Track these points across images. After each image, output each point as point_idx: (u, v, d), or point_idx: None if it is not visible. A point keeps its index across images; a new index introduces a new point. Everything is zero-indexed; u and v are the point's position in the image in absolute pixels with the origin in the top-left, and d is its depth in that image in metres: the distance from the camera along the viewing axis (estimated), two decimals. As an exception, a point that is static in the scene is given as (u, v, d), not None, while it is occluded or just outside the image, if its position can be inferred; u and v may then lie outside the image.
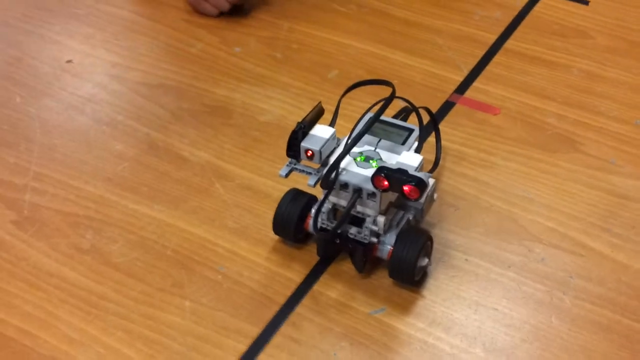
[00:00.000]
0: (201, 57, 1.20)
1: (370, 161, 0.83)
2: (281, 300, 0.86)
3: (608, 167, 1.01)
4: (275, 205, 0.89)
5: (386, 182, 0.78)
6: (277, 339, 0.82)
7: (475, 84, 1.14)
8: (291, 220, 0.88)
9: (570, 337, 0.82)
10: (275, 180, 0.97)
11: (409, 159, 0.82)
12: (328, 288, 0.87)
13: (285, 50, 1.20)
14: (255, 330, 0.83)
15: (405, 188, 0.78)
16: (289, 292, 0.86)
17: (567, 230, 0.92)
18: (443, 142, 0.97)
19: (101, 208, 0.96)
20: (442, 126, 1.05)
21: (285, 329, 0.83)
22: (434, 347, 0.81)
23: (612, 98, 1.11)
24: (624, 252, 0.90)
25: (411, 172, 0.78)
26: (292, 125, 0.85)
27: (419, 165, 0.82)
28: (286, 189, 0.90)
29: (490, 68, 1.16)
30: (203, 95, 1.12)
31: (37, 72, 1.17)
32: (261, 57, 1.19)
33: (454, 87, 1.13)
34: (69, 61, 1.19)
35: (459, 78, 1.15)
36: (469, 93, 1.12)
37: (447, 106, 1.10)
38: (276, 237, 0.91)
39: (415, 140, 0.87)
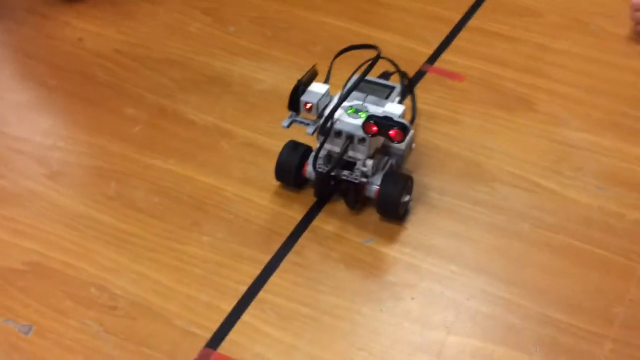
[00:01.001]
0: (199, 35, 1.34)
1: (359, 113, 0.98)
2: (286, 233, 1.00)
3: (558, 122, 1.17)
4: (275, 159, 1.04)
5: (375, 128, 0.94)
6: (284, 265, 0.97)
7: (443, 55, 1.30)
8: (291, 167, 1.03)
9: (529, 256, 0.98)
10: (274, 137, 1.12)
11: (393, 108, 0.98)
12: (325, 223, 1.02)
13: (274, 29, 1.35)
14: (265, 258, 0.97)
15: (391, 132, 0.93)
16: (291, 227, 1.01)
17: (524, 173, 1.09)
18: (417, 105, 1.13)
19: (122, 162, 1.10)
20: (416, 91, 1.20)
21: (290, 256, 0.98)
22: (417, 266, 0.97)
23: (561, 66, 1.28)
24: (572, 189, 1.07)
25: (395, 119, 0.94)
26: (285, 92, 0.99)
27: (401, 113, 0.97)
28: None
29: (456, 42, 1.33)
30: (204, 67, 1.27)
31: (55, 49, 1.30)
32: (253, 34, 1.34)
33: (424, 59, 1.29)
34: (79, 39, 1.32)
35: (429, 51, 1.30)
36: (437, 64, 1.28)
37: (419, 75, 1.26)
38: (278, 183, 1.06)
39: (397, 96, 1.03)
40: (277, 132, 1.09)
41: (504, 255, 0.98)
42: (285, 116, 0.99)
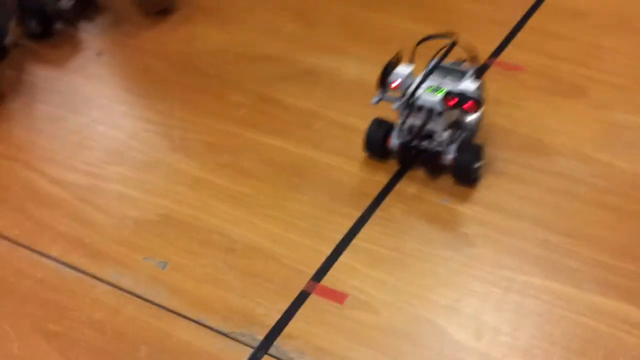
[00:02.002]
0: (291, 34, 1.54)
1: (437, 92, 1.15)
2: (373, 194, 1.18)
3: (609, 106, 1.33)
4: (361, 136, 1.22)
5: (453, 101, 1.11)
6: (373, 219, 1.14)
7: (505, 51, 1.47)
8: (378, 139, 1.21)
9: (585, 213, 1.14)
10: (360, 118, 1.29)
11: (468, 85, 1.14)
12: (407, 186, 1.19)
13: (356, 29, 1.55)
14: (357, 213, 1.15)
15: (467, 104, 1.10)
16: (378, 189, 1.19)
17: (580, 147, 1.25)
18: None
19: (231, 138, 1.29)
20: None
21: (378, 213, 1.15)
22: (488, 221, 1.13)
23: (611, 60, 1.44)
24: (622, 161, 1.22)
25: (471, 93, 1.11)
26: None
27: (477, 88, 1.14)
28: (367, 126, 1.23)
29: (515, 40, 1.50)
30: (296, 62, 1.46)
31: (170, 49, 1.51)
32: (338, 34, 1.53)
33: (488, 55, 1.46)
34: (189, 40, 1.53)
35: (492, 48, 1.48)
36: (500, 58, 1.45)
37: (484, 67, 1.43)
38: (364, 155, 1.24)
39: (470, 77, 1.19)
40: (362, 114, 1.26)
41: (563, 212, 1.14)
42: (369, 100, 1.17)
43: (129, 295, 1.04)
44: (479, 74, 1.27)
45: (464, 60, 1.23)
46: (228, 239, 1.11)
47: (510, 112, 1.33)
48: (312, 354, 0.96)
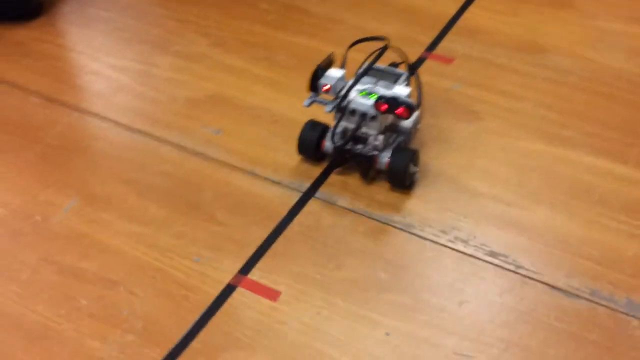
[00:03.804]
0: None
1: (370, 95, 1.11)
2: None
3: (592, 16, 1.53)
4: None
5: (384, 106, 1.07)
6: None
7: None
8: (311, 142, 1.16)
9: (576, 97, 1.33)
10: (377, 21, 1.46)
11: (400, 90, 1.11)
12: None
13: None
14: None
15: (399, 109, 1.07)
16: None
17: (569, 47, 1.44)
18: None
19: (264, 38, 1.46)
20: (482, -5, 1.56)
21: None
22: (495, 102, 1.31)
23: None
24: (607, 58, 1.42)
25: (402, 99, 1.08)
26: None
27: (408, 94, 1.10)
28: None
29: None
30: None
31: None
32: None
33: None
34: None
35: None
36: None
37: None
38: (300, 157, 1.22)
39: (404, 81, 1.16)
40: (377, 18, 1.43)
41: (557, 96, 1.33)
42: (382, 9, 1.33)
43: (190, 154, 1.20)
44: (416, 73, 1.22)
45: (399, 63, 1.22)
46: (270, 114, 1.28)
47: (508, 19, 1.51)
48: (349, 197, 1.14)
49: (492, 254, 1.05)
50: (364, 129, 1.12)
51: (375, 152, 1.13)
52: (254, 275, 1.02)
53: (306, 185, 1.15)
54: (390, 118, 1.13)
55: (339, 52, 1.21)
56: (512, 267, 1.03)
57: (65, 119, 1.25)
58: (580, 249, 1.06)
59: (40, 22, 1.49)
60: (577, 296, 1.00)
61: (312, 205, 1.12)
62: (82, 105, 1.29)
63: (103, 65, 1.38)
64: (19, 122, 1.24)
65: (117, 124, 1.25)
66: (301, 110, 1.24)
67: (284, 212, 1.11)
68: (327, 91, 1.12)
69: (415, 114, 1.16)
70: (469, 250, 1.06)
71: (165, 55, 1.40)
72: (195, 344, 0.94)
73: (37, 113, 1.26)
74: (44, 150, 1.19)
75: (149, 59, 1.39)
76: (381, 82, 1.14)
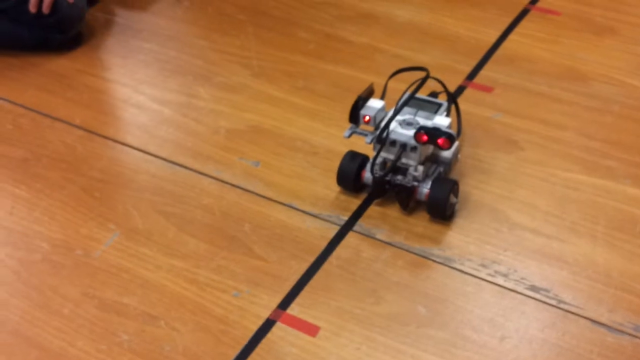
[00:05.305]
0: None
1: (411, 125, 1.12)
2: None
3: (635, 42, 1.51)
4: (416, 65, 1.39)
5: (425, 137, 1.07)
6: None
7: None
8: (351, 173, 1.16)
9: (618, 125, 1.31)
10: (417, 52, 1.47)
11: (440, 121, 1.12)
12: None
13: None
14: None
15: (440, 140, 1.07)
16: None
17: (611, 74, 1.43)
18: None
19: (304, 67, 1.47)
20: (526, 23, 1.55)
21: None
22: (537, 132, 1.30)
23: (635, 5, 1.62)
24: (650, 84, 1.40)
25: (443, 129, 1.08)
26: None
27: (448, 124, 1.11)
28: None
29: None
30: (354, 7, 1.64)
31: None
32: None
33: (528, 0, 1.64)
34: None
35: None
36: (539, 4, 1.63)
37: (523, 12, 1.60)
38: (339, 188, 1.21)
39: (444, 111, 1.17)
40: (416, 48, 1.43)
41: (599, 124, 1.32)
42: (421, 38, 1.34)
43: (230, 186, 1.21)
44: (456, 103, 1.27)
45: (440, 92, 1.25)
46: (309, 145, 1.29)
47: (549, 47, 1.50)
48: (388, 229, 1.13)
49: (533, 288, 1.04)
50: (403, 160, 1.12)
51: (415, 183, 1.13)
52: (293, 310, 1.02)
53: (344, 218, 1.15)
54: (430, 148, 1.14)
55: (378, 82, 1.21)
56: (553, 302, 1.02)
57: (109, 152, 1.28)
58: (622, 282, 1.05)
59: (81, 52, 1.52)
60: (621, 331, 0.99)
61: (350, 238, 1.12)
62: (126, 138, 1.31)
63: (146, 97, 1.40)
64: (63, 155, 1.27)
65: (158, 157, 1.27)
66: (341, 140, 1.26)
67: (322, 245, 1.11)
68: (367, 122, 1.12)
69: (456, 144, 1.16)
70: (510, 285, 1.05)
71: (207, 86, 1.42)
72: (234, 379, 0.94)
73: (81, 146, 1.29)
74: (87, 184, 1.21)
75: (190, 90, 1.41)
76: (421, 113, 1.15)
